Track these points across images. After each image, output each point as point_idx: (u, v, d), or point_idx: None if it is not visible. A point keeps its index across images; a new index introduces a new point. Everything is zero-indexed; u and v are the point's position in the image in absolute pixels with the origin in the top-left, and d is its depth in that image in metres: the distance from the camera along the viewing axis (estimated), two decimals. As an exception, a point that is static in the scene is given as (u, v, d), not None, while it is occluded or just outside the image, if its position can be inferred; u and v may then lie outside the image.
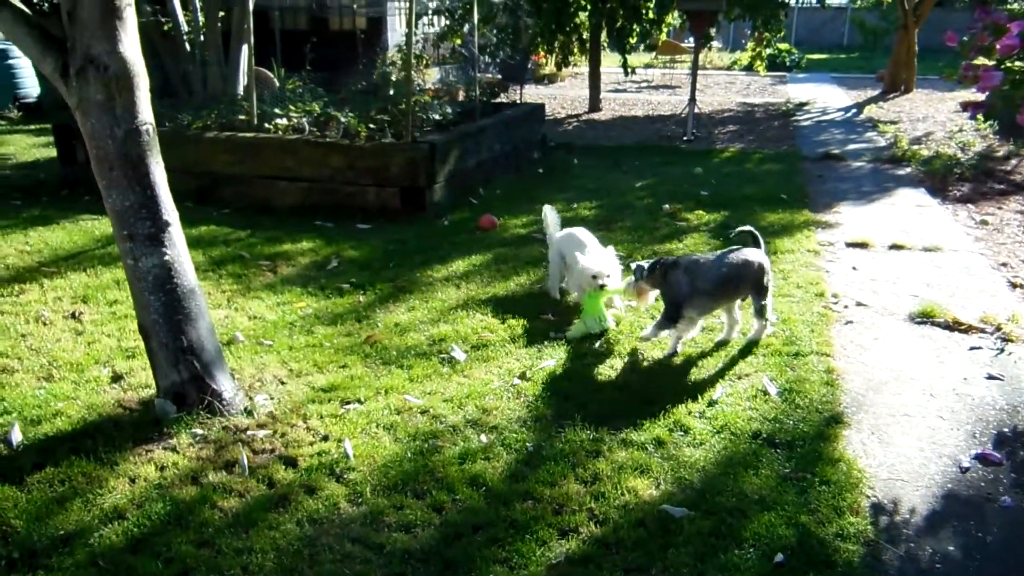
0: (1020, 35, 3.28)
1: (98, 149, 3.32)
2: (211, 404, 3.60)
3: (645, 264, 4.51)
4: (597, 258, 4.79)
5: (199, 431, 3.51)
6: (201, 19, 9.89)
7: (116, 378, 4.03)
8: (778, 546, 2.83)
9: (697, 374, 4.15)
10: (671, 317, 4.34)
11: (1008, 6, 3.88)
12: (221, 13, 9.63)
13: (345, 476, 3.24)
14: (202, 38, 9.79)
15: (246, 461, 3.31)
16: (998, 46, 3.40)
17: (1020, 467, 3.34)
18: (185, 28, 9.95)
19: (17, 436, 3.48)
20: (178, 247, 3.54)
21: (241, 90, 9.17)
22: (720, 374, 4.14)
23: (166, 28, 10.09)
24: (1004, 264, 5.90)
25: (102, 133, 3.29)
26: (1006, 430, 3.63)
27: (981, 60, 3.65)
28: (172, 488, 3.13)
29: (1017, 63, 3.50)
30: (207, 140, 7.65)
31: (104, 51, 3.20)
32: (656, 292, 4.59)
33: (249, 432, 3.54)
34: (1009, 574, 2.75)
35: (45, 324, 4.73)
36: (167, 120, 7.96)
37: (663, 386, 3.99)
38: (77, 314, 4.85)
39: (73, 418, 3.63)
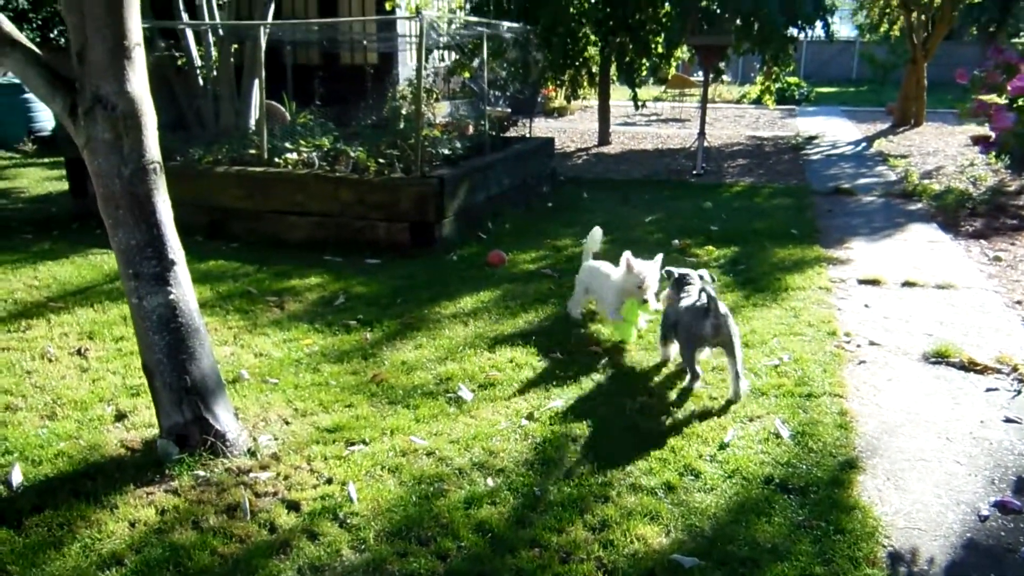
0: (1033, 77, 3.25)
1: (105, 188, 3.32)
2: (214, 445, 3.55)
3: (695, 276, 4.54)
4: (641, 267, 4.93)
5: (201, 473, 3.46)
6: (214, 54, 10.00)
7: (120, 417, 3.99)
8: (792, 598, 2.75)
9: (707, 416, 4.07)
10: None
11: (1016, 41, 3.85)
12: (234, 47, 9.73)
13: (348, 521, 3.18)
14: (215, 73, 9.89)
15: (248, 504, 3.25)
16: (1009, 87, 3.36)
17: (1041, 516, 3.25)
18: (198, 62, 10.06)
19: (18, 477, 3.43)
20: (183, 286, 3.51)
21: (253, 124, 9.25)
22: (731, 416, 4.06)
23: (180, 63, 10.21)
24: (1019, 302, 5.82)
25: (109, 172, 3.29)
26: (1025, 476, 3.54)
27: (993, 98, 3.62)
28: (172, 533, 3.07)
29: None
30: (217, 174, 7.68)
31: (112, 91, 3.20)
32: None
33: (252, 474, 3.48)
34: (1032, 630, 2.66)
35: (51, 361, 4.70)
36: (178, 154, 8.01)
37: (673, 428, 3.92)
38: (83, 351, 4.83)
39: (75, 459, 3.59)
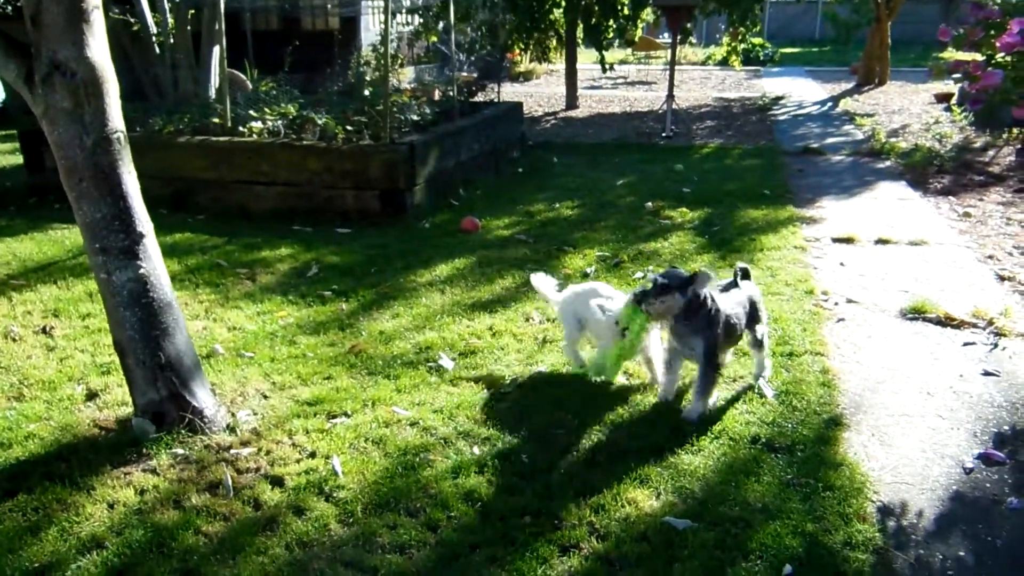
0: (1021, 32, 3.22)
1: (66, 159, 3.17)
2: (192, 422, 3.46)
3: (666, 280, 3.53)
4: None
5: (180, 451, 3.37)
6: (170, 20, 9.67)
7: (91, 396, 3.87)
8: (786, 557, 2.75)
9: (691, 378, 4.05)
10: (718, 368, 3.70)
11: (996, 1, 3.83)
12: (191, 13, 9.42)
13: (334, 495, 3.12)
14: (172, 40, 9.57)
15: (230, 481, 3.17)
16: (998, 43, 3.34)
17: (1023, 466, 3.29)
18: (154, 29, 9.72)
19: (-13, 461, 3.32)
20: (153, 259, 3.39)
21: (213, 93, 8.97)
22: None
23: (135, 29, 9.86)
24: (991, 257, 5.88)
25: (70, 142, 3.14)
26: (1006, 428, 3.57)
27: (972, 56, 3.59)
28: (153, 513, 2.99)
29: (1008, 58, 3.45)
30: (180, 145, 7.46)
31: (71, 56, 3.05)
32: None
33: (232, 450, 3.40)
34: (1021, 579, 2.69)
35: (14, 340, 4.55)
36: (138, 125, 7.77)
37: (657, 391, 3.89)
38: (48, 329, 4.67)
39: (46, 440, 3.47)
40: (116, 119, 3.23)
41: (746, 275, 3.94)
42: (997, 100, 3.34)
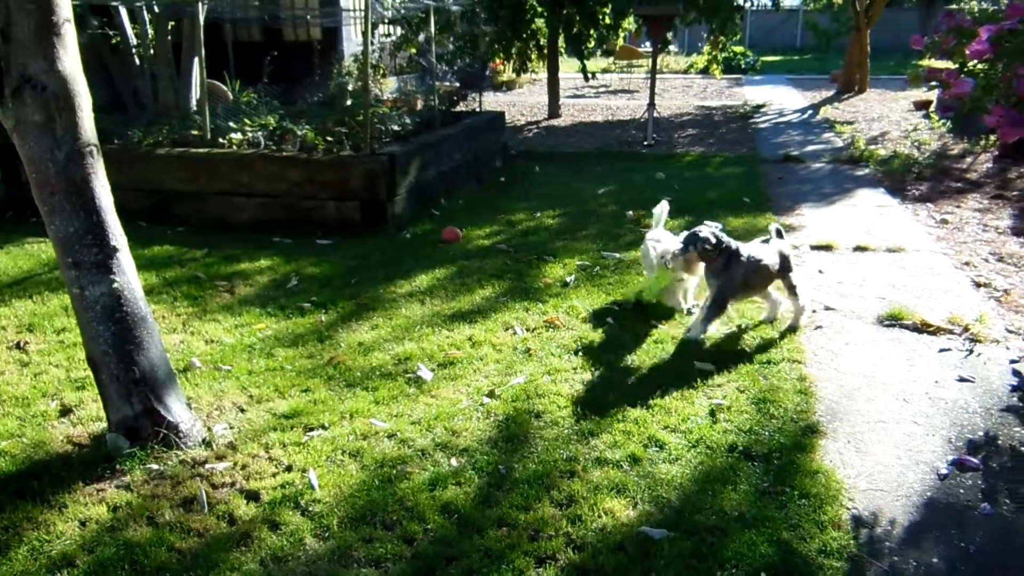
0: (989, 39, 3.26)
1: (38, 173, 3.15)
2: (167, 437, 3.43)
3: (706, 234, 4.48)
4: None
5: (154, 466, 3.34)
6: (150, 31, 9.65)
7: (65, 412, 3.84)
8: (761, 565, 2.75)
9: (669, 386, 4.06)
10: (722, 307, 4.56)
11: (966, 6, 3.88)
12: (171, 25, 9.40)
13: (310, 508, 3.10)
14: (152, 51, 9.55)
15: (205, 497, 3.15)
16: (968, 51, 3.38)
17: (997, 472, 3.31)
18: (134, 41, 9.70)
19: (-42, 479, 3.28)
20: (127, 273, 3.37)
21: (194, 104, 8.96)
22: (694, 387, 4.06)
23: (114, 41, 9.83)
24: (967, 263, 5.93)
25: (42, 156, 3.12)
26: (980, 434, 3.60)
27: (945, 64, 3.64)
28: (125, 530, 2.96)
29: (981, 66, 3.49)
30: (159, 156, 7.43)
31: (41, 70, 3.03)
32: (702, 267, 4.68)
33: (208, 465, 3.38)
34: (994, 585, 2.70)
35: (-11, 355, 4.50)
36: (116, 136, 7.74)
37: (636, 400, 3.90)
38: (22, 344, 4.63)
39: (18, 457, 3.44)
40: (89, 132, 3.22)
41: (780, 235, 4.85)
42: (968, 108, 3.37)
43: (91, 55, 10.26)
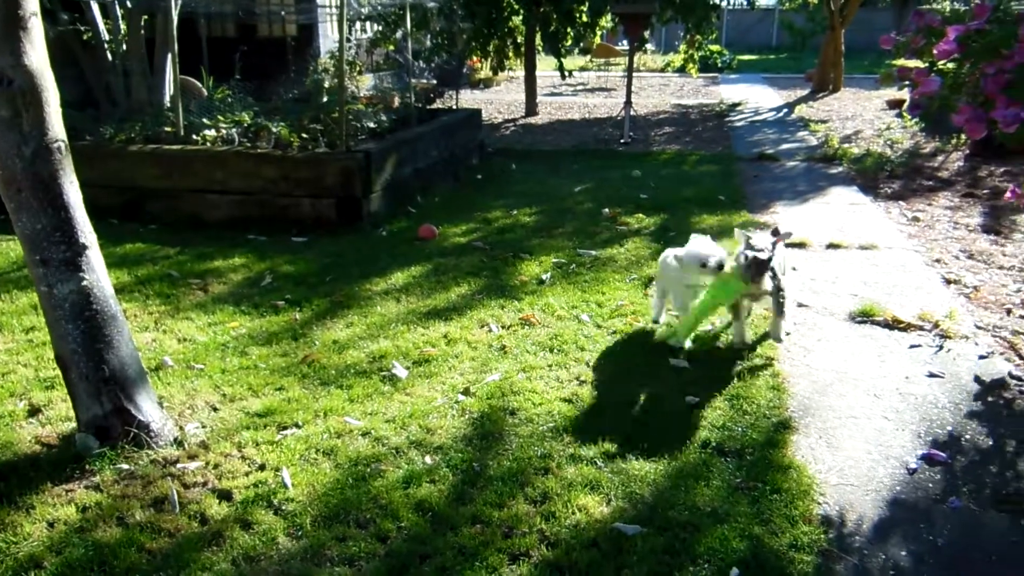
0: (957, 39, 3.31)
1: (4, 170, 3.10)
2: (137, 436, 3.39)
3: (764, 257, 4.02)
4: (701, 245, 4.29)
5: (125, 466, 3.30)
6: (123, 27, 9.53)
7: (33, 412, 3.78)
8: (733, 560, 2.77)
9: (643, 383, 4.08)
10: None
11: (935, 6, 3.93)
12: (144, 20, 9.29)
13: (283, 507, 3.08)
14: (124, 47, 9.43)
15: (176, 496, 3.12)
16: (935, 50, 3.42)
17: (965, 467, 3.36)
18: (106, 36, 9.57)
19: (-77, 480, 3.22)
20: (97, 271, 3.33)
21: (168, 100, 8.86)
22: (666, 383, 4.08)
23: (86, 37, 9.70)
24: (938, 260, 6.00)
25: (8, 152, 3.07)
26: (949, 428, 3.65)
27: (915, 63, 3.68)
28: (95, 531, 2.92)
29: (949, 65, 3.54)
30: (131, 153, 7.34)
31: (8, 64, 2.98)
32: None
33: (179, 464, 3.35)
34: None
35: (-44, 355, 4.43)
36: (88, 133, 7.64)
37: (610, 397, 3.92)
38: (-9, 343, 4.57)
39: (-14, 458, 3.39)
40: (56, 128, 3.17)
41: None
42: (936, 106, 3.42)
43: (62, 50, 10.14)
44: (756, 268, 4.03)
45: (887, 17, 28.58)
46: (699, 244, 4.37)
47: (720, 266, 4.23)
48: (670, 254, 4.56)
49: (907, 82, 4.03)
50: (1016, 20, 3.15)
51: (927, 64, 3.78)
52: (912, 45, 3.66)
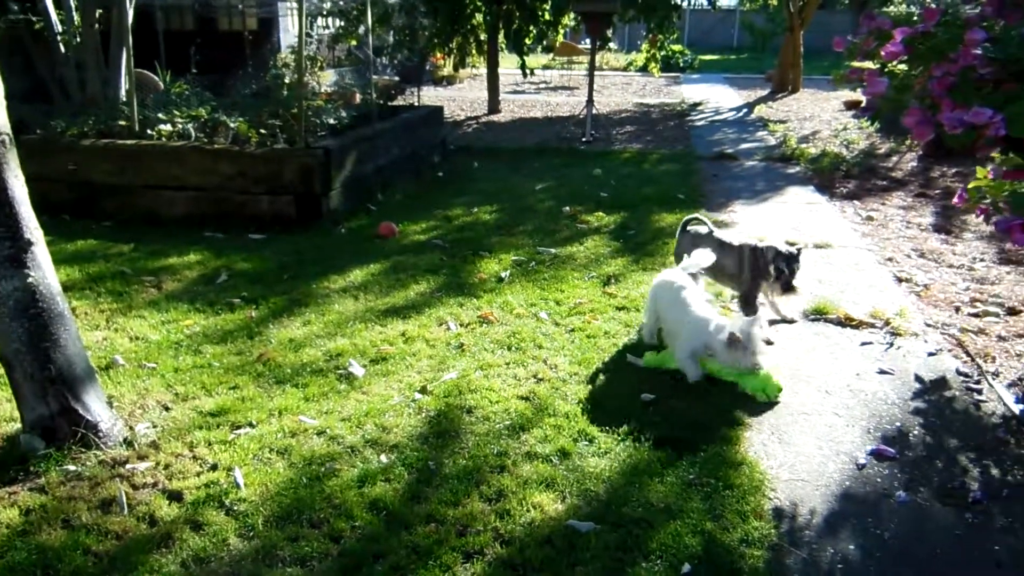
0: (903, 41, 3.37)
1: (-55, 163, 3.02)
2: (85, 437, 3.33)
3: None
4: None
5: (71, 467, 3.24)
6: (76, 19, 9.33)
7: (-22, 412, 3.70)
8: (685, 556, 2.80)
9: (600, 381, 4.10)
10: None
11: (887, 10, 4.00)
12: (99, 12, 9.11)
13: (235, 508, 3.04)
14: (78, 39, 9.24)
15: (124, 498, 3.06)
16: (883, 52, 3.48)
17: (913, 461, 3.42)
18: (59, 28, 9.37)
19: None
20: (43, 268, 3.25)
21: (123, 94, 8.69)
22: (623, 380, 4.10)
23: (38, 28, 9.49)
24: (890, 259, 6.11)
25: (-51, 146, 3.00)
26: (898, 424, 3.72)
27: (867, 64, 3.74)
28: (39, 534, 2.86)
29: (900, 66, 3.60)
30: (84, 148, 7.19)
31: (-52, 56, 2.91)
32: None
33: (129, 465, 3.29)
34: (907, 569, 2.79)
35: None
36: (38, 127, 7.46)
37: (567, 395, 3.93)
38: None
39: (-74, 460, 3.30)
40: (1, 121, 3.10)
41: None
42: (886, 108, 3.48)
43: (12, 43, 9.90)
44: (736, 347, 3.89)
45: (846, 19, 29.02)
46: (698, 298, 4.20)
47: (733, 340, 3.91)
48: (681, 284, 4.27)
49: (858, 83, 4.09)
50: (963, 24, 3.22)
51: (879, 66, 3.84)
52: (863, 47, 3.72)
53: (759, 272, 4.65)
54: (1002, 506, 3.12)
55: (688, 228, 5.05)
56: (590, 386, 4.03)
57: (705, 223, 5.09)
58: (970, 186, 3.57)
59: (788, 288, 4.61)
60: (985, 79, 3.10)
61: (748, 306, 4.76)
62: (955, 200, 4.00)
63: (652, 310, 4.46)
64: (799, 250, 4.62)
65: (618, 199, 7.93)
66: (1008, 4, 3.12)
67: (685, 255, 4.54)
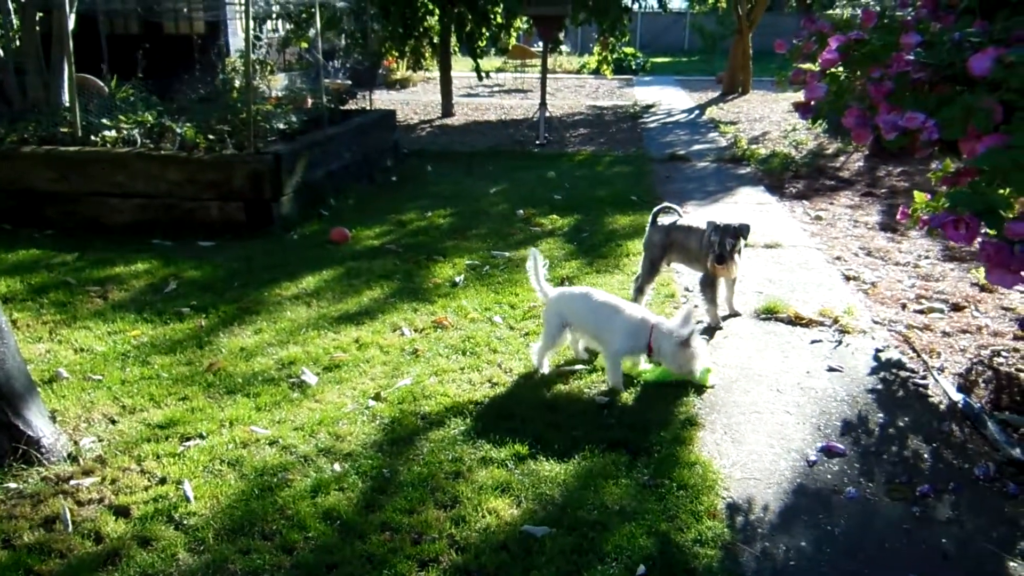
0: (839, 49, 3.43)
1: None
2: (27, 453, 3.23)
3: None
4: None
5: (12, 485, 3.14)
6: (15, 22, 9.09)
7: (-87, 430, 3.56)
8: (640, 557, 2.81)
9: (554, 384, 4.11)
10: None
11: (830, 12, 4.07)
12: (40, 15, 8.87)
13: (185, 522, 2.98)
14: (18, 43, 8.99)
15: (68, 515, 2.98)
16: (819, 59, 3.55)
17: (861, 457, 3.49)
18: (-3, 32, 9.12)
19: None
20: (-21, 280, 3.16)
21: (66, 99, 8.48)
22: (576, 383, 4.11)
23: (-25, 32, 9.22)
24: (838, 258, 6.23)
25: None
26: (847, 420, 3.78)
27: (808, 66, 3.81)
28: (-22, 555, 2.78)
29: (840, 69, 3.67)
30: (24, 155, 7.00)
31: None
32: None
33: (73, 481, 3.20)
34: (857, 563, 2.84)
35: None
36: (-24, 134, 7.25)
37: (522, 399, 3.93)
38: None
39: None
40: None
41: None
42: (825, 110, 3.56)
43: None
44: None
45: (793, 22, 29.55)
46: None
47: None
48: (586, 292, 4.23)
49: (799, 85, 4.17)
50: (898, 29, 3.29)
51: (820, 69, 3.91)
52: (804, 50, 3.79)
53: (709, 246, 4.72)
54: (948, 499, 3.19)
55: (657, 220, 5.09)
56: (545, 389, 4.04)
57: (676, 211, 5.14)
58: (911, 209, 3.65)
59: (720, 260, 4.67)
60: (920, 82, 3.17)
61: (707, 287, 4.86)
62: (899, 216, 4.10)
63: (558, 326, 4.16)
64: (741, 225, 4.71)
65: (572, 202, 7.96)
66: (942, 6, 3.20)
67: (653, 246, 4.81)
